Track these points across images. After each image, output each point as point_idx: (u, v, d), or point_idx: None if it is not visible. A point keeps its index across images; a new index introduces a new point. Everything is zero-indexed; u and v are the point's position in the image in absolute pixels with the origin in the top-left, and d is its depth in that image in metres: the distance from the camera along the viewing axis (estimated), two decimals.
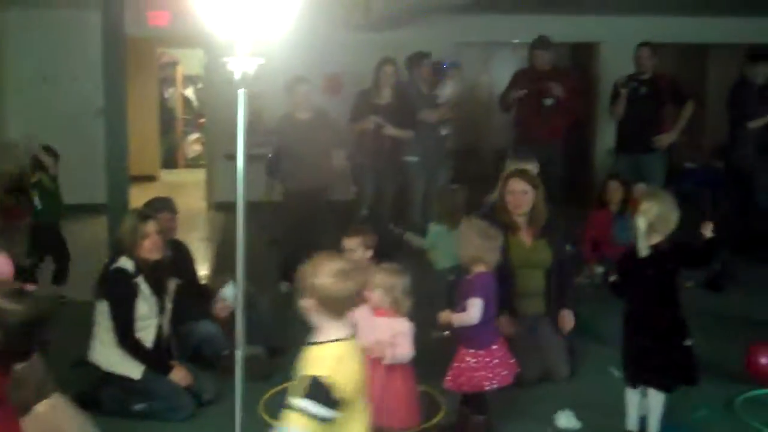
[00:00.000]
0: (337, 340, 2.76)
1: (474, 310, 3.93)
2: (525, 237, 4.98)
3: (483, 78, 10.94)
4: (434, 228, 5.88)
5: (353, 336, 2.82)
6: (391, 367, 3.69)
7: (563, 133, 8.05)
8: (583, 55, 10.86)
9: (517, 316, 4.89)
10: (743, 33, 10.36)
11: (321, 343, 2.78)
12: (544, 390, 4.75)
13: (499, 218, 4.87)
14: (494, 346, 4.04)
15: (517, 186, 4.92)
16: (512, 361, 4.12)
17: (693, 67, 11.03)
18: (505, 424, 4.30)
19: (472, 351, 4.01)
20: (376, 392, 3.68)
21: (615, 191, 6.78)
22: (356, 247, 4.47)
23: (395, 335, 3.69)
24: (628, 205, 6.41)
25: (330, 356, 2.72)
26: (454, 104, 7.83)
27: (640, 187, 6.66)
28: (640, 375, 4.00)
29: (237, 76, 2.30)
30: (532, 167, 5.28)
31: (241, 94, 2.34)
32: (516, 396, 4.44)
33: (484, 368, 3.99)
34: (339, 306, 2.76)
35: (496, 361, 4.02)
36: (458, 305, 4.01)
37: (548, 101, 7.79)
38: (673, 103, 7.82)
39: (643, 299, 3.97)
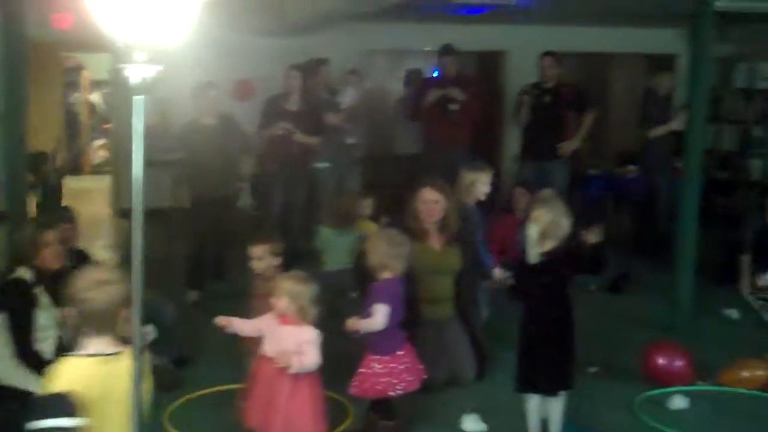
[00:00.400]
0: (92, 355, 2.62)
1: (379, 316, 3.96)
2: (434, 243, 5.04)
3: (393, 85, 11.00)
4: (324, 231, 5.94)
5: (117, 354, 2.65)
6: (297, 376, 3.68)
7: (469, 138, 8.20)
8: (490, 63, 11.03)
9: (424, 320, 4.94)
10: (644, 43, 10.71)
11: (75, 356, 2.64)
12: (451, 394, 4.81)
13: (409, 225, 4.92)
14: (400, 352, 4.09)
15: (429, 196, 4.98)
16: (419, 366, 4.17)
17: (596, 76, 11.32)
18: (413, 428, 4.34)
19: (377, 357, 4.04)
20: (282, 402, 3.68)
21: (520, 197, 6.91)
22: (263, 255, 4.45)
23: (301, 344, 3.68)
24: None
25: (75, 372, 2.56)
26: (356, 111, 7.88)
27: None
28: (528, 381, 4.08)
29: (135, 82, 2.25)
30: (487, 177, 5.43)
31: (139, 100, 2.29)
32: (424, 400, 4.48)
33: (390, 374, 4.03)
34: (97, 319, 2.62)
35: (402, 366, 4.07)
36: (365, 311, 4.04)
37: (453, 107, 7.91)
38: (576, 111, 8.04)
39: (536, 304, 4.05)
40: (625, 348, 5.45)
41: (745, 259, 6.57)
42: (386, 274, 4.05)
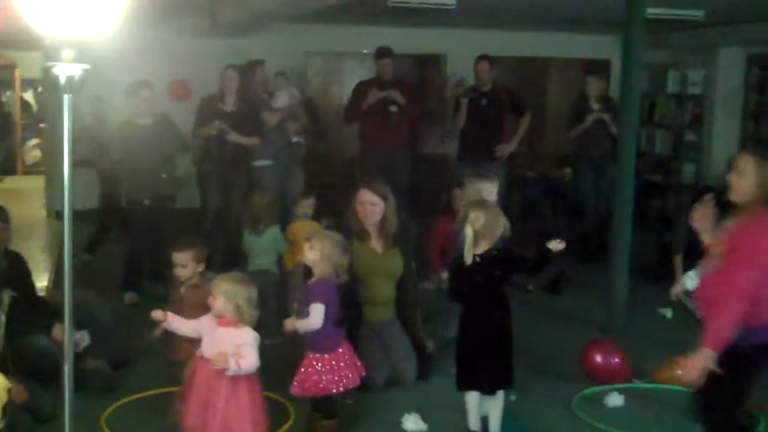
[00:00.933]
0: None
1: (314, 316, 3.97)
2: (376, 245, 5.05)
3: (332, 87, 11.01)
4: (245, 233, 5.94)
5: None
6: (236, 378, 3.65)
7: (408, 141, 8.24)
8: (429, 66, 11.11)
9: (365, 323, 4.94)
10: (580, 48, 10.90)
11: None
12: (392, 394, 4.82)
13: (350, 227, 4.94)
14: (339, 350, 4.09)
15: (366, 197, 4.98)
16: (358, 363, 4.18)
17: (533, 80, 11.48)
18: (354, 428, 4.34)
19: (317, 355, 4.04)
20: (220, 404, 3.65)
21: (460, 199, 6.95)
22: (186, 261, 4.38)
23: (239, 345, 3.65)
24: None
25: None
26: (293, 111, 7.85)
27: None
28: (468, 379, 4.11)
29: (62, 81, 2.22)
30: (491, 186, 5.12)
31: (66, 99, 2.26)
32: (365, 400, 4.49)
33: (331, 371, 4.03)
34: None
35: (342, 364, 4.08)
36: (302, 311, 4.03)
37: (393, 109, 7.94)
38: (512, 114, 8.14)
39: (472, 304, 4.10)
40: (562, 347, 5.52)
41: (678, 260, 6.73)
42: (321, 274, 4.05)
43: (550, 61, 11.61)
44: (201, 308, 3.95)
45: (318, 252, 4.09)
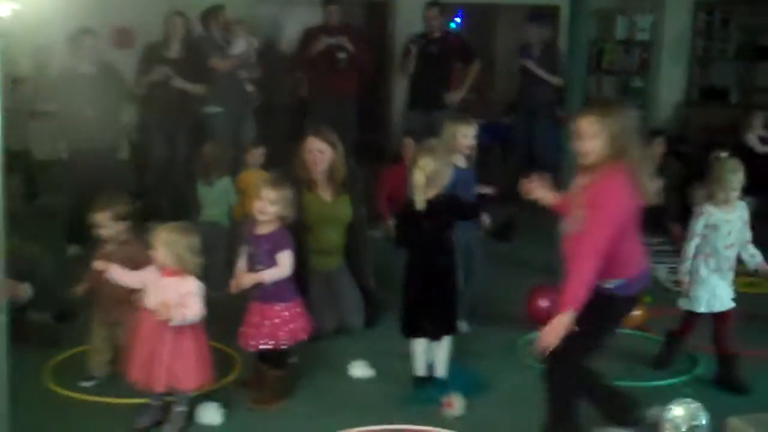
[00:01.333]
0: None
1: (286, 264, 3.96)
2: (324, 194, 5.02)
3: (282, 34, 10.82)
4: (199, 186, 5.89)
5: None
6: (180, 328, 3.63)
7: (356, 89, 8.17)
8: (377, 13, 10.97)
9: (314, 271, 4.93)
10: None
11: None
12: (340, 342, 4.86)
13: (299, 175, 4.92)
14: (290, 302, 4.07)
15: (314, 145, 4.95)
16: (307, 316, 4.17)
17: (482, 27, 11.42)
18: (302, 376, 4.35)
19: (268, 305, 4.01)
20: (165, 355, 3.63)
21: (409, 147, 6.93)
22: (106, 221, 4.13)
23: (183, 295, 3.62)
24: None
25: None
26: (247, 59, 7.73)
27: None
28: (413, 326, 4.15)
29: None
30: (467, 129, 4.98)
31: None
32: (313, 348, 4.50)
33: (280, 324, 4.01)
34: None
35: (291, 316, 4.05)
36: (262, 260, 3.98)
37: (342, 56, 7.86)
38: (461, 61, 8.10)
39: (419, 250, 4.12)
40: (509, 292, 5.58)
41: None
42: (283, 222, 4.01)
43: (500, 8, 11.54)
44: (131, 263, 3.89)
45: (280, 200, 4.00)
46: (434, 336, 4.15)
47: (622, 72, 11.01)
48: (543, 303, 5.04)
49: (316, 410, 4.04)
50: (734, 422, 2.12)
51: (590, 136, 3.27)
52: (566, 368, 3.40)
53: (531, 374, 4.41)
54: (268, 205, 3.96)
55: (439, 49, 7.91)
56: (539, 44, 8.31)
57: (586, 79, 10.49)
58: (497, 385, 4.33)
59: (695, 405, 1.81)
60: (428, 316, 4.10)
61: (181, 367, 3.65)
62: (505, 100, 10.60)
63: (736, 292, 4.53)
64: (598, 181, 3.28)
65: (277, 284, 3.99)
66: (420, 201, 4.01)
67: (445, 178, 4.05)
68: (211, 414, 3.83)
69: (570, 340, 3.21)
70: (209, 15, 7.65)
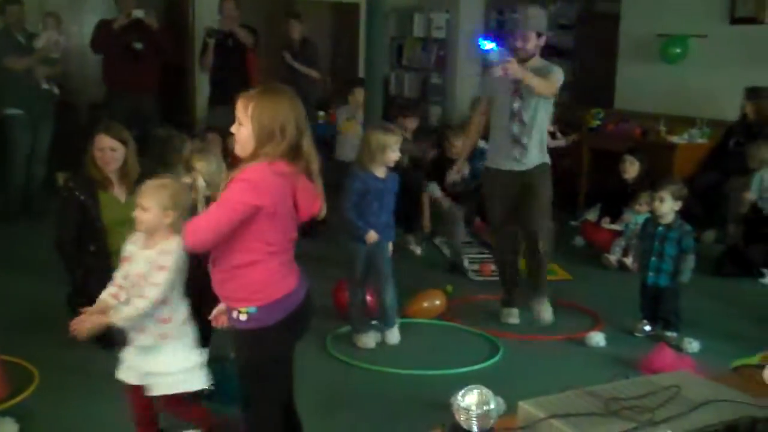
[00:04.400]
0: None
1: None
2: (119, 193, 4.85)
3: (73, 27, 10.31)
4: None
5: None
6: None
7: (155, 83, 7.98)
8: (175, 5, 10.70)
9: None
10: None
11: None
12: None
13: (91, 175, 4.76)
14: None
15: (105, 143, 4.77)
16: None
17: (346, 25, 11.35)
18: None
19: None
20: None
21: (214, 143, 6.83)
22: None
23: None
24: (227, 156, 6.50)
25: None
26: (47, 55, 7.34)
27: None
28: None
29: None
30: (396, 142, 4.77)
31: None
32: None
33: None
34: None
35: None
36: None
37: (138, 45, 7.66)
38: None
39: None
40: (315, 287, 5.58)
41: (426, 198, 7.00)
42: None
43: (300, 4, 11.54)
44: None
45: None
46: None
47: (420, 69, 11.31)
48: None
49: None
50: (523, 406, 2.23)
51: (240, 122, 2.84)
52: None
53: (340, 368, 4.49)
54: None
55: (234, 43, 7.87)
56: (299, 40, 8.34)
57: (388, 76, 10.79)
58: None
59: (486, 390, 1.91)
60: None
61: None
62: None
63: None
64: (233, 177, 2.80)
65: None
66: (201, 205, 3.88)
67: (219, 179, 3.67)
68: (6, 429, 3.62)
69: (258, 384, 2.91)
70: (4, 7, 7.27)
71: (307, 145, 2.82)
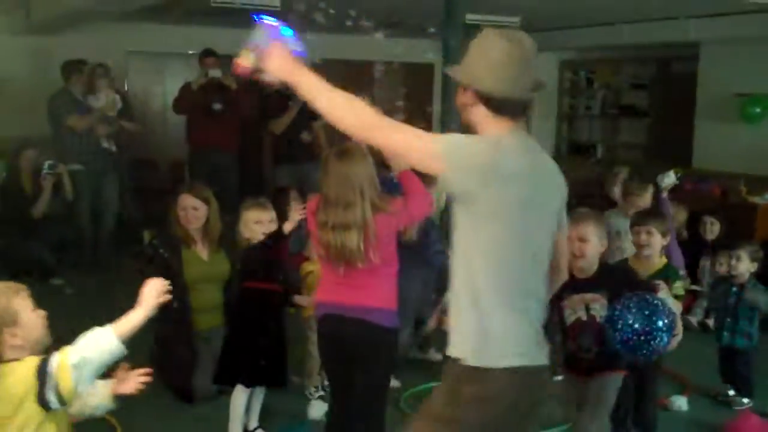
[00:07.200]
0: None
1: None
2: (201, 251, 4.95)
3: (155, 88, 10.67)
4: None
5: None
6: None
7: (237, 140, 8.14)
8: None
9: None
10: (403, 52, 11.02)
11: None
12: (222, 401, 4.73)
13: (174, 232, 4.86)
14: None
15: (188, 202, 4.89)
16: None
17: (360, 83, 11.55)
18: None
19: None
20: None
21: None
22: None
23: None
24: None
25: None
26: (108, 112, 7.58)
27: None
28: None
29: None
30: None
31: None
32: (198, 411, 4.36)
33: None
34: None
35: None
36: None
37: (217, 106, 7.83)
38: None
39: None
40: None
41: None
42: None
43: (375, 65, 11.73)
44: None
45: None
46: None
47: None
48: None
49: None
50: None
51: None
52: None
53: None
54: None
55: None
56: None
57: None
58: None
59: None
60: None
61: None
62: None
63: None
64: None
65: None
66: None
67: None
68: None
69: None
70: (69, 69, 7.61)
71: None
